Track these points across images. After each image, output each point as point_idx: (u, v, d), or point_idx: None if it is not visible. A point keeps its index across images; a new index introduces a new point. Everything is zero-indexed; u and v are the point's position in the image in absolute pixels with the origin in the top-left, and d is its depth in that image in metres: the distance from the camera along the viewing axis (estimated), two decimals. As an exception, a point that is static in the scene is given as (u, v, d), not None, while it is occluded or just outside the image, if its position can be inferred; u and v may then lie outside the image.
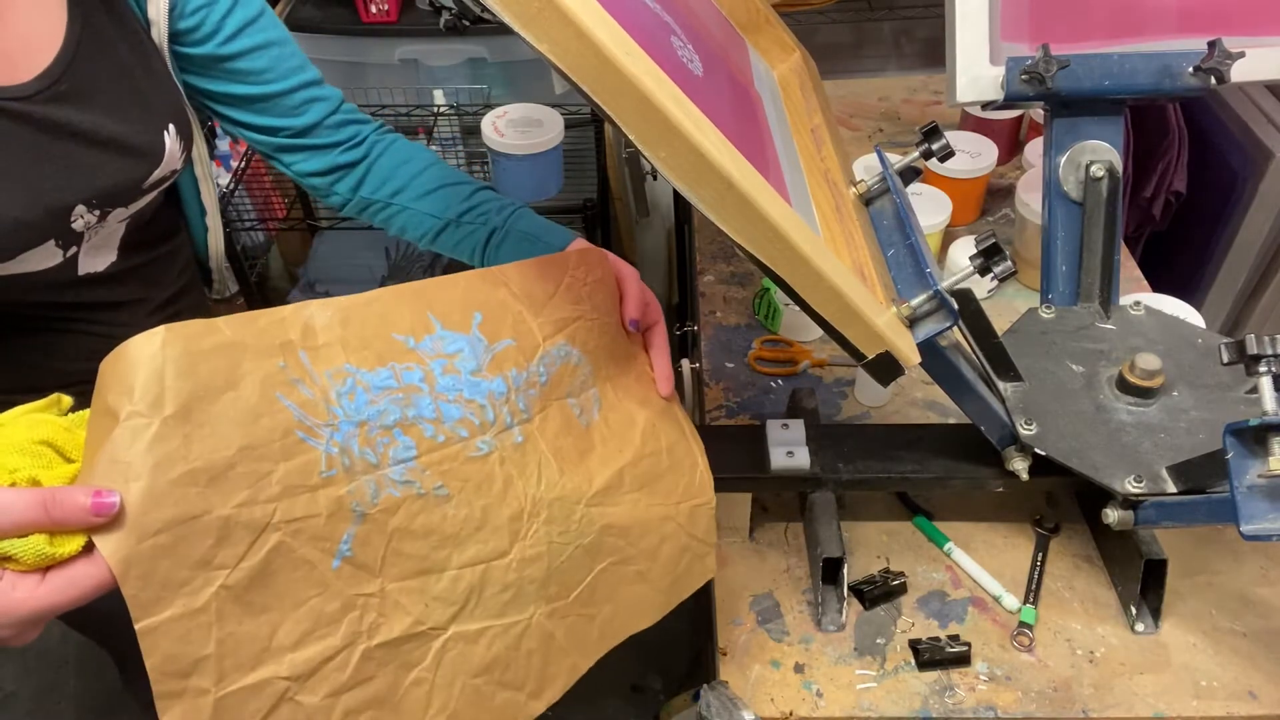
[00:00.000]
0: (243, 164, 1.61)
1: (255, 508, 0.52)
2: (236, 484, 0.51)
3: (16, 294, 0.82)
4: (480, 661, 0.63)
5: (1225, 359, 0.73)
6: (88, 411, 0.53)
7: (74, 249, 0.83)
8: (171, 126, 0.86)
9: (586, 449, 0.71)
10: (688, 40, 0.77)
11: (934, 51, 1.85)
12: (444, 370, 0.62)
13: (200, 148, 0.98)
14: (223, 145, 1.81)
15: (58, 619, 0.59)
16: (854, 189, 0.89)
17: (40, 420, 0.53)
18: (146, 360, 0.49)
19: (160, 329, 0.50)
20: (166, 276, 1.01)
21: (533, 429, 0.67)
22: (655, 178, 1.94)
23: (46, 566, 0.48)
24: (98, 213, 0.82)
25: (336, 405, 0.56)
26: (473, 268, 0.75)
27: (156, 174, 0.86)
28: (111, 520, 0.47)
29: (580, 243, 0.84)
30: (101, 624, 1.13)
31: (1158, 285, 1.21)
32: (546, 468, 0.67)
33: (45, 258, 0.80)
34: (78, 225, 0.81)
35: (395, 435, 0.59)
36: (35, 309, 0.87)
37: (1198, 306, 1.21)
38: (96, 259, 0.88)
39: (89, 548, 0.48)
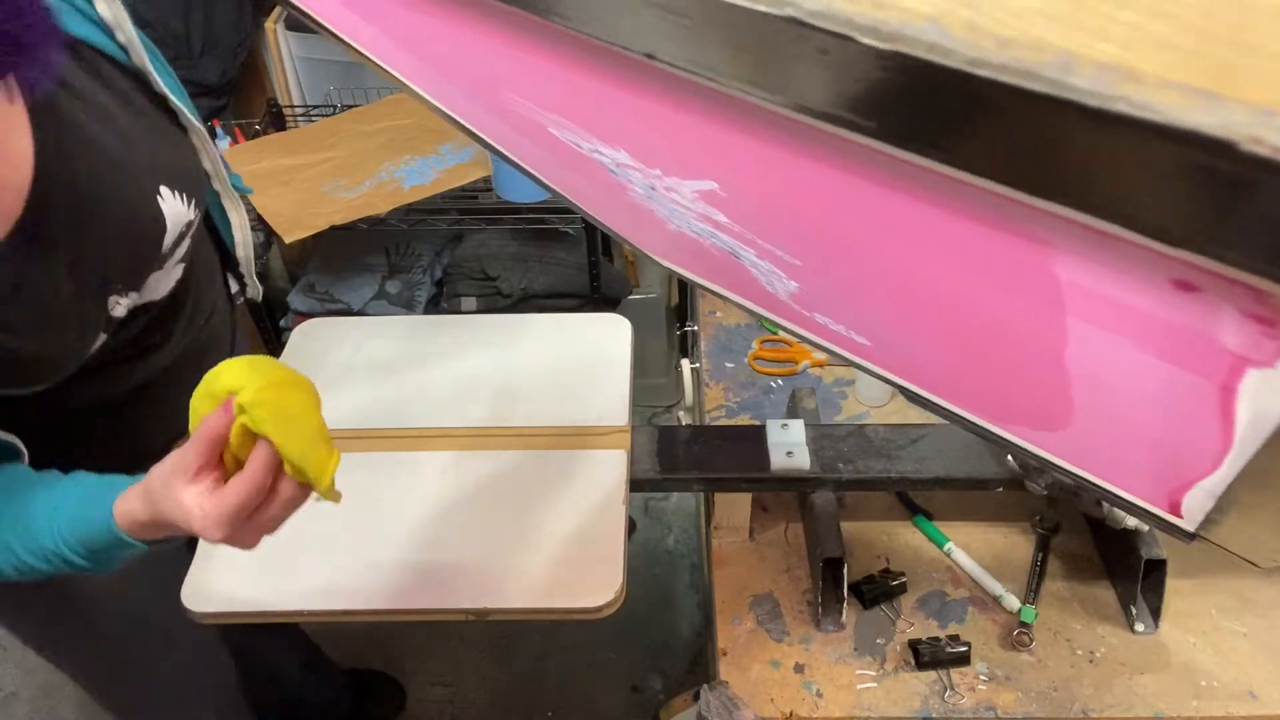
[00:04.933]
0: (242, 164, 1.61)
1: None
2: None
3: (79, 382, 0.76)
4: None
5: (1225, 359, 0.73)
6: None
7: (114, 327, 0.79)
8: (163, 188, 0.77)
9: None
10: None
11: (934, 51, 1.84)
12: None
13: (215, 163, 0.90)
14: (222, 145, 1.81)
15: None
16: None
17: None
18: None
19: None
20: (212, 286, 0.95)
21: None
22: (655, 178, 1.93)
23: None
24: (133, 294, 0.78)
25: None
26: None
27: (168, 239, 0.79)
28: None
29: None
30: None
31: (1157, 285, 1.21)
32: None
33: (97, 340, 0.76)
34: (118, 312, 0.77)
35: None
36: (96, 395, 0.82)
37: (1197, 306, 1.21)
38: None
39: None
